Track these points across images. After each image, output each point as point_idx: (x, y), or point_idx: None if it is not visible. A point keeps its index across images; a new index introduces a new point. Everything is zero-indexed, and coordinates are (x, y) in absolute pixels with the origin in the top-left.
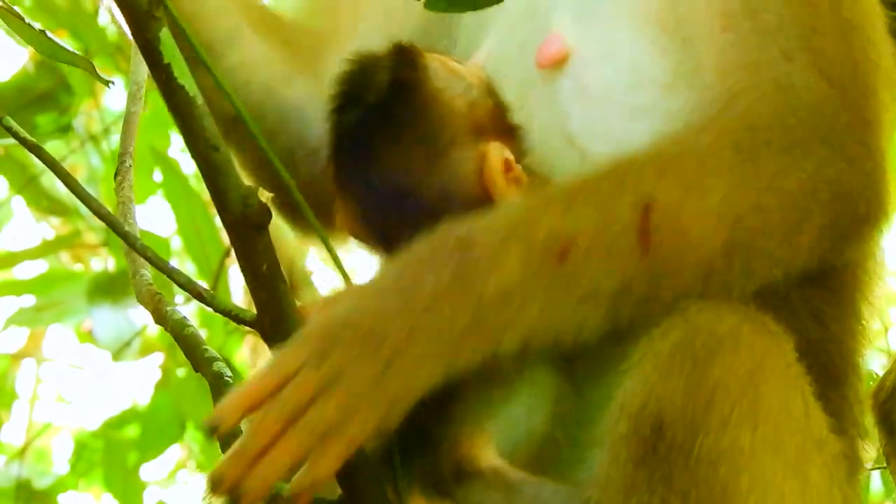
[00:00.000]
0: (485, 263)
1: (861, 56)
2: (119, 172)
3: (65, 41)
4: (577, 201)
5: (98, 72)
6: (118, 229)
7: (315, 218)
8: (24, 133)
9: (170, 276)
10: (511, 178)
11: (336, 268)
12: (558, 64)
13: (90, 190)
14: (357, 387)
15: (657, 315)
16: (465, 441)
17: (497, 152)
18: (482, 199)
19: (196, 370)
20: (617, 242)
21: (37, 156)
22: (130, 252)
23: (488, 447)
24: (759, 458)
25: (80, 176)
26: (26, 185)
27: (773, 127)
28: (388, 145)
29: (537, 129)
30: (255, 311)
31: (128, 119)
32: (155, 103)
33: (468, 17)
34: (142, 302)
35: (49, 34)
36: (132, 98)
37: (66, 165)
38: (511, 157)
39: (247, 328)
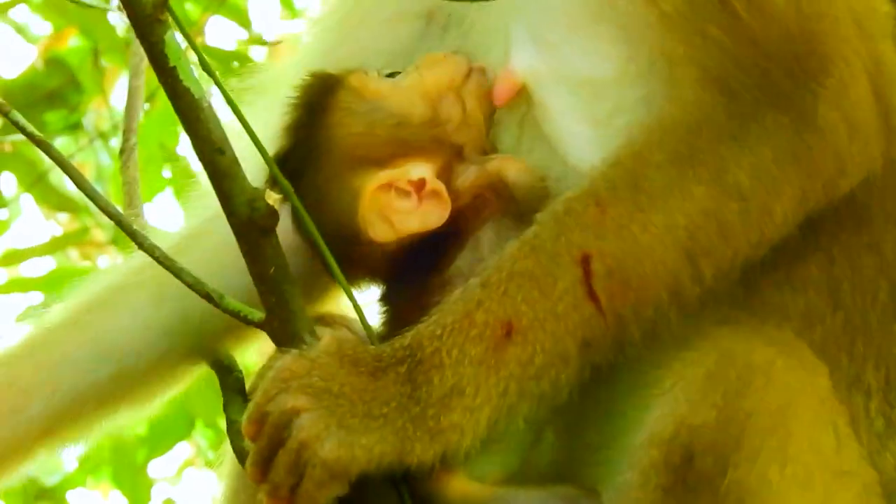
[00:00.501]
0: (426, 368)
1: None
2: (124, 150)
3: (74, 38)
4: (513, 278)
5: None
6: (126, 227)
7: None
8: (32, 129)
9: (178, 276)
10: (426, 194)
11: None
12: (515, 96)
13: (98, 187)
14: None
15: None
16: (434, 474)
17: (384, 179)
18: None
19: (210, 366)
20: (563, 304)
21: (46, 152)
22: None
23: (457, 474)
24: (787, 494)
25: (89, 173)
26: (35, 182)
27: (716, 111)
28: (299, 176)
29: (525, 153)
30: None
31: (131, 93)
32: (165, 101)
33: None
34: None
35: None
36: (134, 71)
37: (75, 163)
38: (425, 174)
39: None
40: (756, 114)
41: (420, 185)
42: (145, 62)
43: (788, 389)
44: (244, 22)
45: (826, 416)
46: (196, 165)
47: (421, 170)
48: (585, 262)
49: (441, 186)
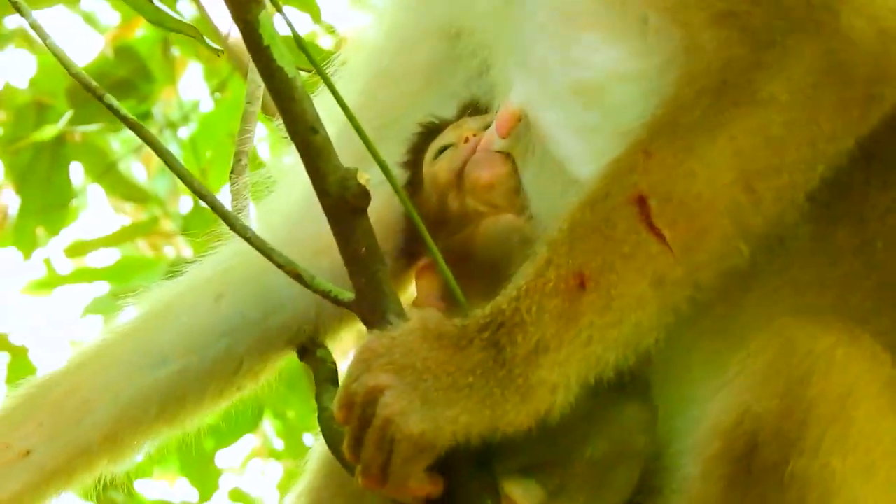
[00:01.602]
0: (508, 328)
1: None
2: (234, 171)
3: (143, 29)
4: (575, 231)
5: (206, 40)
6: (218, 208)
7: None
8: (125, 111)
9: (269, 257)
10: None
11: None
12: (516, 126)
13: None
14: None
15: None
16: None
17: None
18: None
19: (300, 357)
20: (628, 244)
21: (138, 134)
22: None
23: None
24: (850, 484)
25: (158, 163)
26: (104, 172)
27: (736, 47)
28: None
29: (531, 176)
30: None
31: (245, 118)
32: (234, 90)
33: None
34: None
35: (157, 2)
36: (250, 97)
37: (144, 153)
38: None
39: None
40: (777, 39)
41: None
42: (262, 89)
43: (850, 377)
44: (314, 12)
45: (888, 403)
46: (266, 153)
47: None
48: (641, 201)
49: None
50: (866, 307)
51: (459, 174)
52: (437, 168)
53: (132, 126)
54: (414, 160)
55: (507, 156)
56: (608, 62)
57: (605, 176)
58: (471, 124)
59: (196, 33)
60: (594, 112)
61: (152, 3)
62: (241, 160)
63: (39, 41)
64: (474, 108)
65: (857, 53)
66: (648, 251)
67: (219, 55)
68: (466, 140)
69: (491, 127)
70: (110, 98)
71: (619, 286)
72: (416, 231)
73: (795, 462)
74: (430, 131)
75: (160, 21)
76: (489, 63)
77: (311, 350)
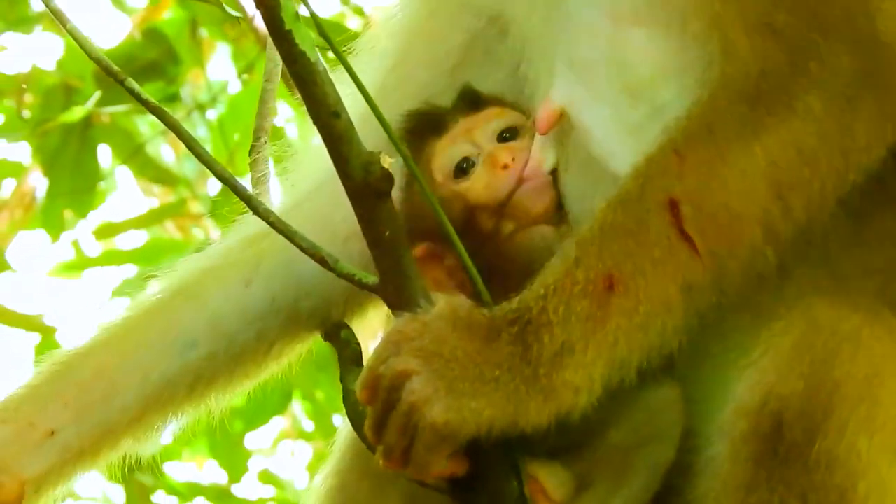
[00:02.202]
0: (535, 327)
1: None
2: (254, 150)
3: (170, 11)
4: (606, 233)
5: (226, 8)
6: (241, 192)
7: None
8: (146, 95)
9: (293, 241)
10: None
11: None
12: (556, 124)
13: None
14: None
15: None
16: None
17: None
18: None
19: (325, 339)
20: (659, 249)
21: (160, 118)
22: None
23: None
24: (877, 464)
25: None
26: (133, 154)
27: (772, 56)
28: None
29: (572, 177)
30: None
31: (263, 97)
32: (261, 71)
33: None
34: None
35: None
36: (268, 76)
37: (172, 135)
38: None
39: None
40: (814, 48)
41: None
42: (280, 67)
43: (876, 358)
44: None
45: None
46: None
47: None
48: (674, 206)
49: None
50: None
51: (502, 203)
52: (466, 188)
53: (154, 110)
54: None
55: (553, 175)
56: (656, 59)
57: (637, 177)
58: (484, 136)
59: (218, 3)
60: (641, 109)
61: None
62: (260, 138)
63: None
64: (470, 100)
65: (893, 60)
66: (679, 258)
67: (238, 22)
68: (505, 167)
69: (534, 149)
70: (132, 82)
71: (647, 290)
72: (418, 219)
73: (821, 442)
74: (426, 122)
75: None
76: (528, 56)
77: (335, 331)
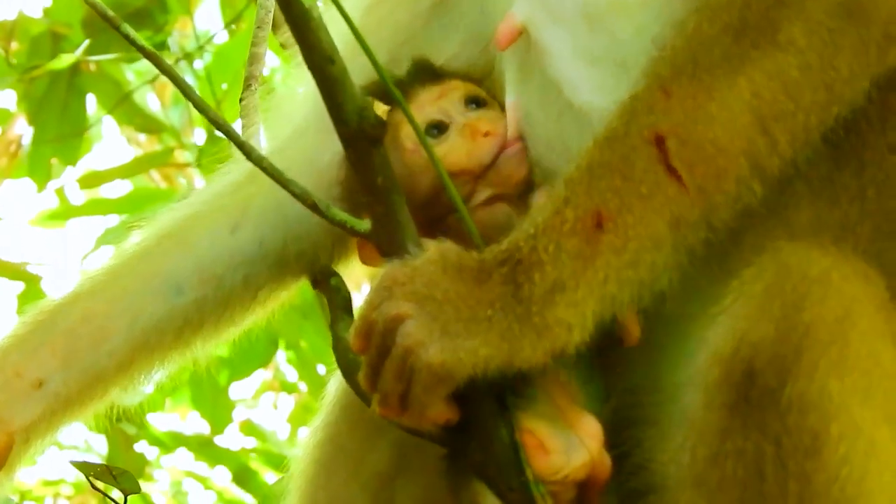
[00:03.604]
0: (526, 266)
1: None
2: (244, 96)
3: None
4: (593, 170)
5: None
6: (234, 137)
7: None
8: (142, 41)
9: (285, 187)
10: None
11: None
12: (515, 40)
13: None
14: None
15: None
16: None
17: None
18: None
19: (314, 286)
20: (646, 184)
21: (155, 64)
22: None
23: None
24: (849, 406)
25: (172, 94)
26: (119, 102)
27: None
28: None
29: (527, 98)
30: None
31: (255, 42)
32: (250, 22)
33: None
34: None
35: None
36: (259, 22)
37: (158, 84)
38: None
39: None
40: None
41: None
42: (272, 14)
43: (845, 300)
44: None
45: (883, 325)
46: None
47: None
48: (659, 141)
49: None
50: (860, 250)
51: (485, 169)
52: (443, 152)
53: (149, 56)
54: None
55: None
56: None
57: (623, 114)
58: (451, 104)
59: None
60: (600, 38)
61: None
62: (250, 84)
63: None
64: (429, 72)
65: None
66: (666, 192)
67: None
68: (487, 134)
69: (508, 117)
70: (127, 28)
71: (636, 227)
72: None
73: (792, 386)
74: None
75: None
76: None
77: (324, 279)
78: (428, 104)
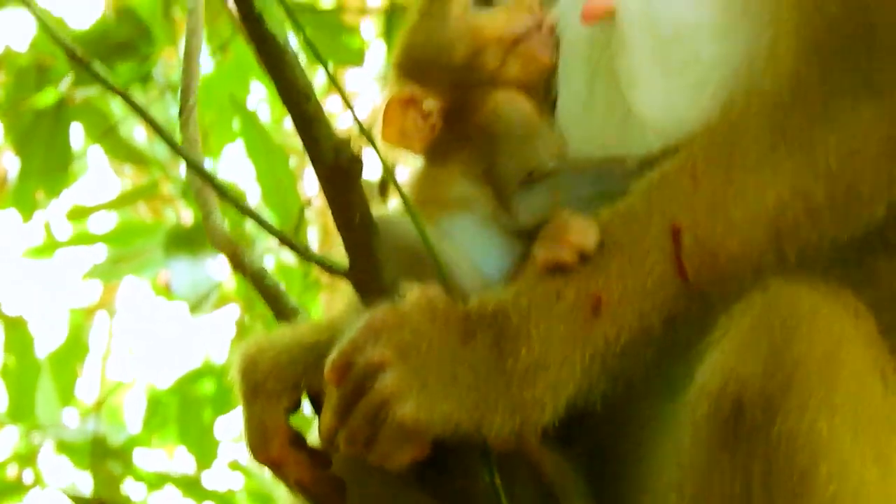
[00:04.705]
0: (513, 337)
1: None
2: (183, 111)
3: None
4: (603, 250)
5: None
6: (209, 177)
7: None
8: (110, 82)
9: (263, 225)
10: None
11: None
12: (602, 20)
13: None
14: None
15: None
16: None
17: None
18: None
19: (278, 320)
20: (653, 278)
21: (127, 102)
22: (201, 196)
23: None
24: (838, 444)
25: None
26: (105, 134)
27: (811, 89)
28: None
29: (587, 86)
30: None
31: (188, 54)
32: (235, 52)
33: None
34: (217, 247)
35: None
36: (191, 33)
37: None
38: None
39: (324, 282)
40: (851, 98)
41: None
42: (202, 22)
43: (834, 336)
44: None
45: (873, 362)
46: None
47: (431, 104)
48: (676, 234)
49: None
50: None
51: (516, 40)
52: (483, 20)
53: (121, 94)
54: None
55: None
56: (710, 16)
57: (648, 191)
58: None
59: None
60: (684, 52)
61: None
62: (188, 99)
63: (38, 1)
64: None
65: None
66: (669, 289)
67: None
68: (530, 9)
69: (559, 10)
70: (98, 67)
71: (632, 320)
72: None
73: (782, 423)
74: None
75: None
76: None
77: None
78: None
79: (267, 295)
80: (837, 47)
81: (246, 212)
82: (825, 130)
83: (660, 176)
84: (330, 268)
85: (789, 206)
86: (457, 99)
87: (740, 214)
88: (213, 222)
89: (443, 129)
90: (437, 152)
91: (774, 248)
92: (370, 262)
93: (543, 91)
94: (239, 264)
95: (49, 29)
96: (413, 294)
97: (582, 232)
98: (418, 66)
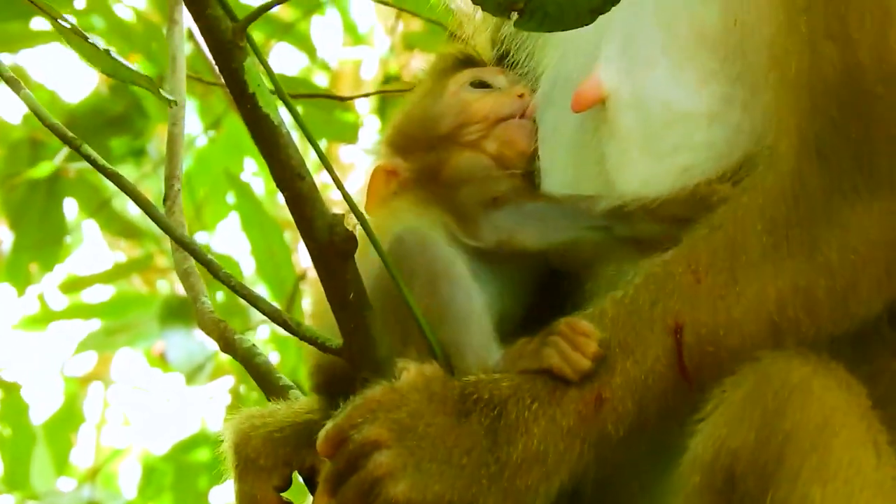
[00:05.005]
0: (511, 427)
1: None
2: (168, 197)
3: (138, 65)
4: (608, 346)
5: (160, 91)
6: (200, 256)
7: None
8: (102, 161)
9: (254, 305)
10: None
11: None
12: (593, 107)
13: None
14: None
15: None
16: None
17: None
18: None
19: (268, 398)
20: (654, 375)
21: (115, 183)
22: (188, 279)
23: None
24: None
25: (152, 199)
26: (99, 208)
27: (812, 187)
28: None
29: (573, 169)
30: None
31: (171, 139)
32: (229, 127)
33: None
34: (205, 330)
35: (112, 53)
36: (174, 119)
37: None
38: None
39: None
40: (851, 196)
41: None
42: (185, 110)
43: (826, 407)
44: (309, 49)
45: (865, 433)
46: (261, 190)
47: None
48: (678, 332)
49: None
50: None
51: (498, 122)
52: (474, 98)
53: (109, 175)
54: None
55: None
56: (703, 103)
57: (650, 286)
58: (502, 79)
59: (151, 84)
60: (674, 136)
61: (108, 54)
62: (173, 186)
63: (33, 78)
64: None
65: None
66: (668, 385)
67: (171, 106)
68: (521, 96)
69: (535, 97)
70: (87, 148)
71: (633, 414)
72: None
73: (774, 491)
74: (461, 59)
75: (115, 72)
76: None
77: None
78: (485, 72)
79: (257, 374)
80: (837, 147)
81: (236, 290)
82: (826, 228)
83: (662, 269)
84: (324, 346)
85: (790, 302)
86: (430, 160)
87: (741, 311)
88: (200, 306)
89: (413, 182)
90: (403, 192)
91: (773, 342)
92: (365, 339)
93: (527, 175)
94: (228, 346)
95: (39, 112)
96: (409, 372)
97: (586, 345)
98: (406, 138)
